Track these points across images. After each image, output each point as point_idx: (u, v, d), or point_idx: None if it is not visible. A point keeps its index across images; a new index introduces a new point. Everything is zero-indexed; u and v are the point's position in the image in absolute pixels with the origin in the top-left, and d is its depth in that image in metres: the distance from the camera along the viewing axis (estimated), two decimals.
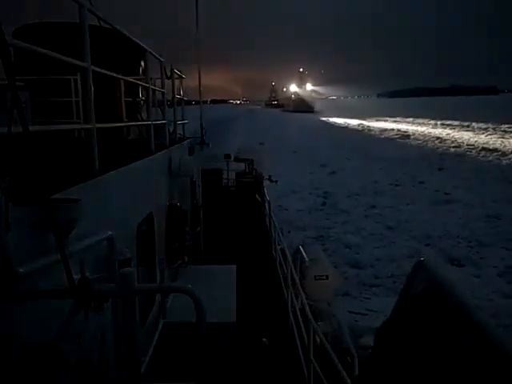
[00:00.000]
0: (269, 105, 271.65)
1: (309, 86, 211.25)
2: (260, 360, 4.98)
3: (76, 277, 2.13)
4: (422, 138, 61.47)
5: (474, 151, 46.31)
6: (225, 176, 16.61)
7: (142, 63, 7.30)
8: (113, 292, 2.25)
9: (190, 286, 2.42)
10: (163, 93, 6.83)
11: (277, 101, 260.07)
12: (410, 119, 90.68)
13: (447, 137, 60.01)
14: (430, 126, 76.11)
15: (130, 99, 6.82)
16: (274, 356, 5.22)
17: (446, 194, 26.15)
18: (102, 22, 4.17)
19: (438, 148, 50.75)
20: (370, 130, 78.57)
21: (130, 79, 5.36)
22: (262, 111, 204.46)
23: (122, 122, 6.34)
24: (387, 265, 14.57)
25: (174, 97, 7.76)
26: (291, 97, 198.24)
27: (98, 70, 3.40)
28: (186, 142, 8.50)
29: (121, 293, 2.22)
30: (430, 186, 28.72)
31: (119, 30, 4.18)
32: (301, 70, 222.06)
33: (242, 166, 17.77)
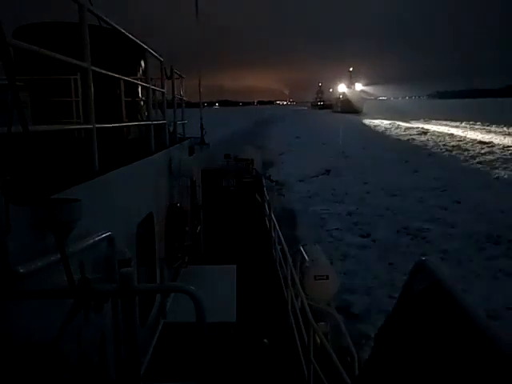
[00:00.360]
0: (315, 106, 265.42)
1: (358, 86, 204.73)
2: (260, 360, 4.98)
3: (76, 277, 2.13)
4: (437, 134, 71.62)
5: (469, 144, 55.73)
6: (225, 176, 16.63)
7: (142, 63, 7.30)
8: (113, 292, 2.25)
9: (189, 286, 2.42)
10: (163, 93, 6.83)
11: (323, 101, 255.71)
12: (441, 120, 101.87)
13: (460, 134, 68.13)
14: (452, 126, 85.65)
15: (130, 99, 6.82)
16: (273, 356, 5.22)
17: (415, 170, 37.29)
18: (101, 22, 4.17)
19: (441, 141, 60.27)
20: (397, 128, 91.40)
21: (130, 79, 5.36)
22: (307, 112, 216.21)
23: (122, 122, 6.34)
24: (350, 196, 27.25)
25: (174, 97, 7.76)
26: (339, 97, 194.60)
27: (98, 70, 3.40)
28: (185, 141, 8.50)
29: (121, 293, 2.22)
30: (412, 164, 39.80)
31: (119, 30, 4.18)
32: (351, 69, 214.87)
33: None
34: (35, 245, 2.24)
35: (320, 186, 30.45)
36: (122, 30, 4.24)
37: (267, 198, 12.94)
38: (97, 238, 2.73)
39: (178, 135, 8.22)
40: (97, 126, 3.33)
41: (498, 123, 79.84)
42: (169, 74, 7.00)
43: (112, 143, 4.95)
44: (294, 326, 6.37)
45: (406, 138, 67.87)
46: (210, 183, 13.50)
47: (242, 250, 9.46)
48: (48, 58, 2.66)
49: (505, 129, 72.23)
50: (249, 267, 8.23)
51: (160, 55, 6.18)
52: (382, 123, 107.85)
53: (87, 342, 2.44)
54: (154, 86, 6.26)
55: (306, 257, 8.06)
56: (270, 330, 5.98)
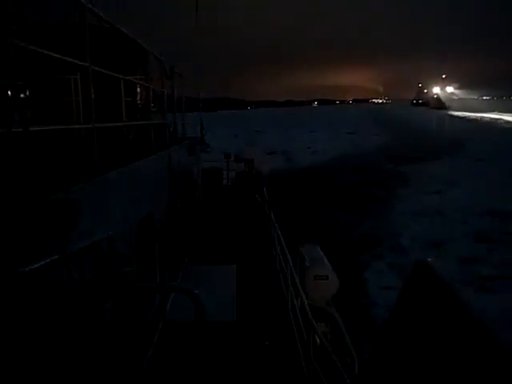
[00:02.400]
0: (415, 104, 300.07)
1: (449, 89, 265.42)
2: (260, 360, 4.98)
3: (76, 277, 2.13)
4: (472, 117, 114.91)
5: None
6: (225, 176, 16.62)
7: (142, 63, 7.30)
8: (113, 292, 2.25)
9: (189, 285, 2.42)
10: (163, 92, 6.83)
11: (421, 100, 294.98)
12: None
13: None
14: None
15: (130, 99, 6.82)
16: (273, 356, 5.22)
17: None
18: (102, 22, 4.17)
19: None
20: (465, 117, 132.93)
21: (130, 79, 5.36)
22: (410, 108, 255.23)
23: (122, 121, 6.34)
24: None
25: (173, 97, 7.77)
26: (434, 97, 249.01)
27: (98, 69, 3.40)
28: (185, 142, 8.50)
29: (121, 293, 2.22)
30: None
31: (119, 30, 4.19)
32: (443, 76, 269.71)
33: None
34: (35, 245, 2.24)
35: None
36: (123, 30, 4.25)
37: (267, 198, 12.93)
38: (97, 238, 2.73)
39: (178, 135, 8.23)
40: (97, 125, 3.33)
41: None
42: (169, 73, 7.00)
43: (112, 143, 4.95)
44: (293, 325, 6.37)
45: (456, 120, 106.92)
46: (210, 183, 13.50)
47: (242, 250, 9.46)
48: (48, 57, 2.66)
49: None
50: (249, 267, 8.23)
51: (160, 55, 6.18)
52: (459, 114, 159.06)
53: (87, 342, 2.44)
54: (154, 85, 6.27)
55: (306, 257, 8.06)
56: (270, 329, 5.98)
